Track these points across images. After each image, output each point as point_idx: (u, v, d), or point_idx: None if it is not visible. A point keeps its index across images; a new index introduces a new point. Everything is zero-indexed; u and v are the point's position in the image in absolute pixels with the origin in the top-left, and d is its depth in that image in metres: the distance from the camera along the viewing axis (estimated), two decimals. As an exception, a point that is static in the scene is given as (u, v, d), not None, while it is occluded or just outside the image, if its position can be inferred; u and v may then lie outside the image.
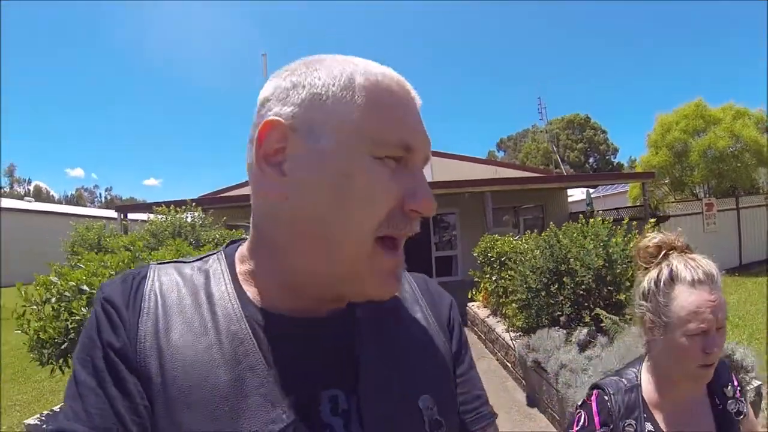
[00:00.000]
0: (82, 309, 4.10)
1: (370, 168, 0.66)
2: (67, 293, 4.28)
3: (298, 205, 0.69)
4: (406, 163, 0.70)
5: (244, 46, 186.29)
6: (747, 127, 14.35)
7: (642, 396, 1.40)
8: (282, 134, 0.69)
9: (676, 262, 1.32)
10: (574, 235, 5.53)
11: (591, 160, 50.53)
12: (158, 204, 10.60)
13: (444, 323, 0.92)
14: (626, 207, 16.68)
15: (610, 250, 5.16)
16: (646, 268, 1.40)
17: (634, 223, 6.65)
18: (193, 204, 10.50)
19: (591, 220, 5.79)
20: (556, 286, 5.36)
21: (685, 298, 1.27)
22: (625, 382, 1.43)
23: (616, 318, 4.44)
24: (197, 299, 0.74)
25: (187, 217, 9.58)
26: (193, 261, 0.84)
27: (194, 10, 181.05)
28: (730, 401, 1.43)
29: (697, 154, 14.12)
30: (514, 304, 6.26)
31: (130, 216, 16.23)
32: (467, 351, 0.93)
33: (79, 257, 5.97)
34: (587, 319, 5.01)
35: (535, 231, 6.95)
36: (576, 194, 21.87)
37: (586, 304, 5.16)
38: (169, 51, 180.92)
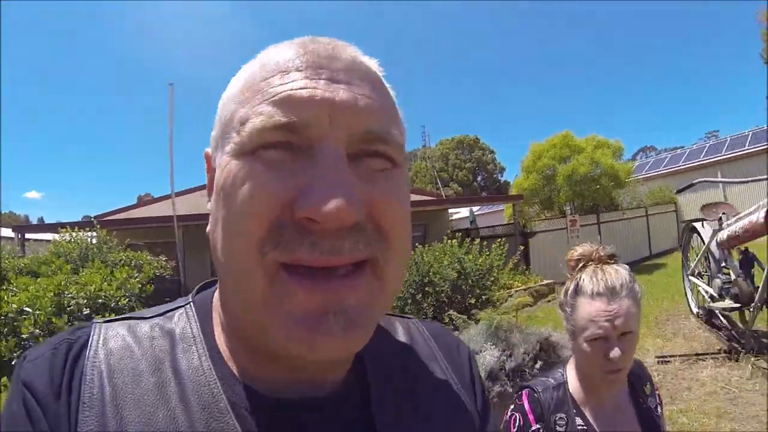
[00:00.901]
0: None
1: (237, 168, 0.50)
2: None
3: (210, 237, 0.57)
4: (303, 148, 0.50)
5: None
6: (606, 156, 16.63)
7: (570, 392, 1.48)
8: (207, 163, 0.62)
9: (584, 275, 1.43)
10: (437, 253, 6.93)
11: (479, 178, 52.55)
12: (63, 225, 10.64)
13: (468, 383, 0.78)
14: (502, 225, 18.91)
15: (465, 265, 6.55)
16: (569, 279, 1.49)
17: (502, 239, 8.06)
18: (98, 225, 10.46)
19: (449, 240, 7.21)
20: (421, 295, 6.74)
21: (584, 309, 1.38)
22: (552, 381, 1.51)
23: (465, 317, 5.56)
24: (161, 378, 0.56)
25: (91, 238, 9.66)
26: (151, 317, 0.65)
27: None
28: (649, 398, 1.56)
29: (563, 178, 16.19)
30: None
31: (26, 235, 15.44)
32: (490, 409, 0.80)
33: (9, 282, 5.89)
34: (446, 321, 6.15)
35: (419, 247, 7.99)
36: (463, 212, 23.95)
37: (445, 308, 6.44)
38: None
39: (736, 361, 5.77)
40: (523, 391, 1.54)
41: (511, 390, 4.16)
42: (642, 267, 16.18)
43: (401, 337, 0.77)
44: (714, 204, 6.91)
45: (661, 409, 1.60)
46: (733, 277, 6.05)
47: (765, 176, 5.82)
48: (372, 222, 0.52)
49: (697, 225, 7.33)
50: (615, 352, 1.32)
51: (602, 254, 1.49)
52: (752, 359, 5.60)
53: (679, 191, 7.92)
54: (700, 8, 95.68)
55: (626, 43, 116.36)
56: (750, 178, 6.47)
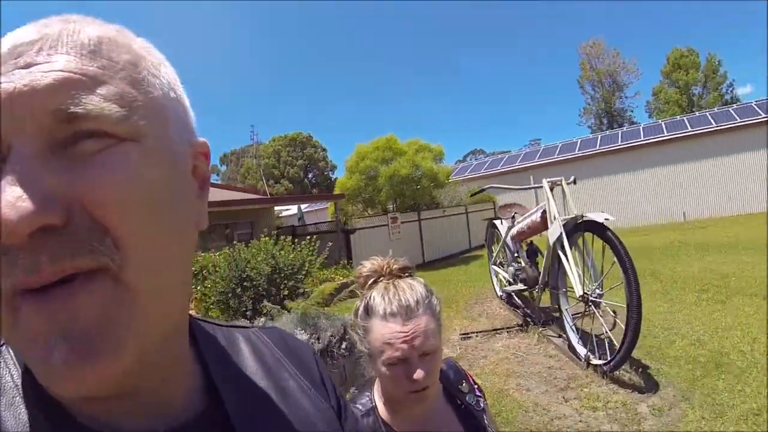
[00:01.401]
0: None
1: None
2: None
3: None
4: (3, 157, 0.43)
5: None
6: (426, 159, 17.65)
7: (380, 417, 1.35)
8: None
9: (375, 293, 1.30)
10: (253, 250, 7.28)
11: (310, 175, 53.14)
12: None
13: (319, 383, 0.78)
14: (326, 221, 19.51)
15: (278, 260, 6.96)
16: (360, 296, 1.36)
17: (313, 237, 8.54)
18: None
19: (264, 238, 7.61)
20: (240, 289, 7.04)
21: (378, 331, 1.26)
22: (361, 408, 1.37)
23: (278, 307, 5.83)
24: None
25: None
26: None
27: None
28: (468, 396, 1.48)
29: (384, 178, 16.84)
30: (212, 306, 7.70)
31: None
32: (346, 406, 0.81)
33: None
34: (264, 311, 6.46)
35: (243, 244, 8.34)
36: (293, 209, 24.55)
37: (262, 300, 6.76)
38: None
39: (526, 332, 6.71)
40: None
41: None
42: (461, 259, 17.88)
43: (245, 350, 0.73)
44: (509, 205, 7.98)
45: (485, 401, 1.54)
46: (522, 264, 7.04)
47: (532, 185, 6.86)
48: (87, 220, 0.43)
49: (497, 222, 8.37)
50: (418, 374, 1.23)
51: (394, 268, 1.36)
52: (539, 330, 6.58)
53: (473, 195, 8.95)
54: (521, 32, 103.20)
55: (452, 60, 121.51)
56: (519, 186, 7.52)
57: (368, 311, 1.30)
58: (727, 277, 9.03)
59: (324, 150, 54.61)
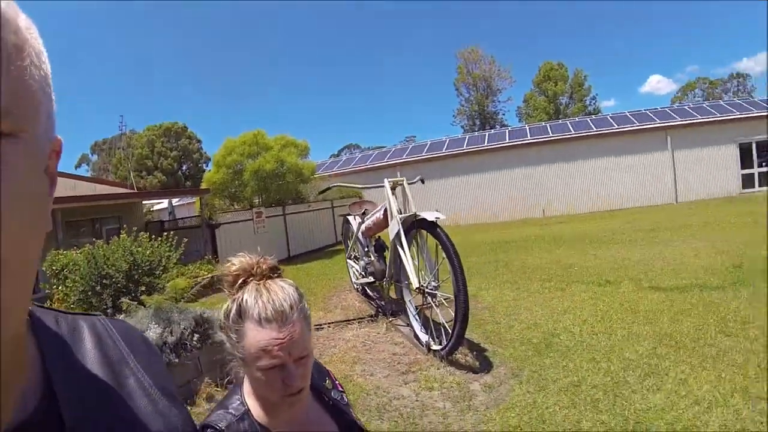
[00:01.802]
0: None
1: None
2: None
3: None
4: None
5: None
6: (291, 154, 17.86)
7: (255, 420, 1.30)
8: None
9: (247, 296, 1.24)
10: (113, 247, 7.38)
11: (184, 167, 51.51)
12: None
13: (161, 382, 0.74)
14: (192, 216, 19.28)
15: (137, 257, 7.13)
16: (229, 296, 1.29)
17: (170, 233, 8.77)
18: None
19: (122, 235, 7.72)
20: (100, 287, 7.12)
21: (253, 336, 1.20)
22: (234, 413, 1.32)
23: (135, 303, 5.94)
24: None
25: None
26: None
27: None
28: (333, 391, 1.49)
29: (250, 173, 16.93)
30: (73, 306, 7.69)
31: None
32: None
33: None
34: (124, 308, 6.60)
35: (97, 242, 8.36)
36: (165, 202, 23.97)
37: (121, 296, 6.90)
38: None
39: (376, 322, 7.19)
40: None
41: (176, 360, 4.94)
42: (326, 253, 18.30)
43: (88, 340, 0.70)
44: (360, 202, 8.33)
45: (346, 396, 1.56)
46: (372, 259, 7.50)
47: (375, 185, 7.34)
48: None
49: (350, 218, 8.80)
50: (294, 379, 1.22)
51: (264, 268, 1.30)
52: (387, 319, 7.09)
53: (321, 192, 9.42)
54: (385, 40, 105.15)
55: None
56: (363, 185, 8.18)
57: (241, 314, 1.23)
58: (570, 267, 10.03)
59: (199, 141, 52.97)
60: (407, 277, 6.12)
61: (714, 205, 21.27)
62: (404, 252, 6.03)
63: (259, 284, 1.26)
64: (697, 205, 21.81)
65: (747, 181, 24.69)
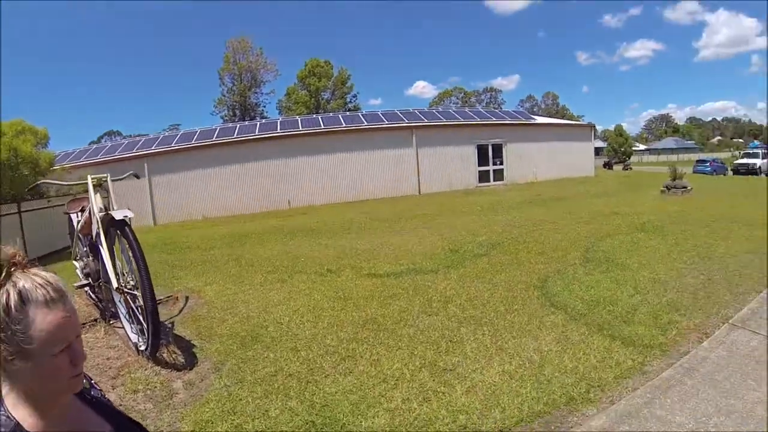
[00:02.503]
0: None
1: None
2: None
3: None
4: None
5: None
6: (27, 142, 16.12)
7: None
8: None
9: (23, 282, 1.19)
10: None
11: None
12: None
13: None
14: None
15: None
16: None
17: None
18: None
19: None
20: None
21: (44, 320, 1.17)
22: (3, 430, 1.20)
23: None
24: None
25: None
26: None
27: None
28: (92, 390, 1.48)
29: (-27, 164, 14.91)
30: None
31: None
32: None
33: None
34: None
35: None
36: None
37: None
38: None
39: (95, 326, 6.77)
40: None
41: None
42: (69, 253, 16.35)
43: None
44: (79, 198, 7.94)
45: (103, 393, 1.53)
46: (90, 259, 7.10)
47: (78, 181, 7.10)
48: None
49: (72, 215, 8.23)
50: (80, 357, 1.23)
51: (23, 256, 1.25)
52: (107, 323, 6.76)
53: (29, 190, 8.67)
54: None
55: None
56: (68, 182, 8.50)
57: (24, 301, 1.16)
58: (298, 258, 10.25)
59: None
60: (108, 278, 5.93)
61: (452, 196, 23.87)
62: (103, 251, 5.90)
63: (24, 272, 1.22)
64: (437, 197, 24.21)
65: (483, 177, 28.52)
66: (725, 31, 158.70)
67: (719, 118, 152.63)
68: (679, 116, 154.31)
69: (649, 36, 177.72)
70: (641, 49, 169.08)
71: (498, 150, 29.91)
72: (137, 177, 7.08)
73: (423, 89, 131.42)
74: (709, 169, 41.52)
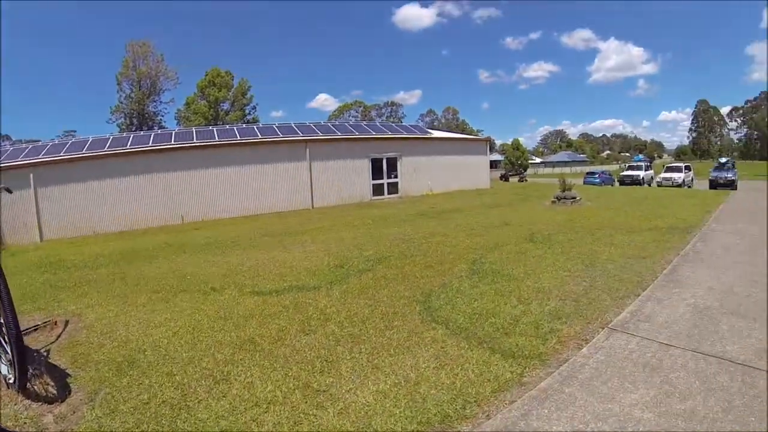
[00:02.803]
0: None
1: None
2: None
3: None
4: None
5: None
6: None
7: None
8: None
9: None
10: None
11: None
12: None
13: None
14: None
15: None
16: None
17: None
18: None
19: None
20: None
21: None
22: None
23: None
24: None
25: None
26: None
27: None
28: None
29: None
30: None
31: None
32: None
33: None
34: None
35: None
36: None
37: None
38: None
39: None
40: None
41: None
42: None
43: None
44: None
45: None
46: None
47: None
48: None
49: None
50: None
51: None
52: None
53: None
54: None
55: None
56: None
57: None
58: (184, 276, 10.01)
59: None
60: None
61: (345, 209, 24.32)
62: None
63: None
64: (330, 210, 24.61)
65: (377, 190, 29.49)
66: (615, 57, 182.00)
67: (608, 135, 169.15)
68: (573, 132, 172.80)
69: (547, 59, 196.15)
70: (539, 70, 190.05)
71: (393, 163, 30.76)
72: (9, 192, 6.56)
73: (325, 101, 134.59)
74: (598, 180, 45.68)
